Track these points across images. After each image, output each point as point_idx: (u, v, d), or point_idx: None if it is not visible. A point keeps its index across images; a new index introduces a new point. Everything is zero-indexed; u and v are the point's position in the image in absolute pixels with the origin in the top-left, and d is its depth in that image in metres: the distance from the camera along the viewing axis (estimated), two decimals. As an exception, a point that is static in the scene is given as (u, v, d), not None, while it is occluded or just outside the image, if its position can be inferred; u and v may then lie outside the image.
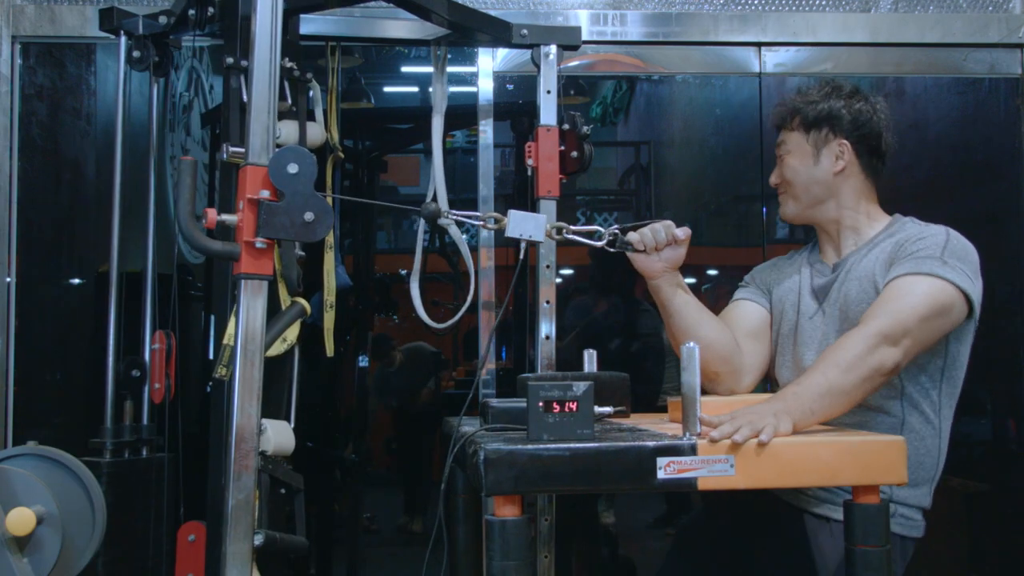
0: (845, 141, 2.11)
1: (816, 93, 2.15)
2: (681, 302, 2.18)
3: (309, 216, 1.65)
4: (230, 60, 2.11)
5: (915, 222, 2.12)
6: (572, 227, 2.13)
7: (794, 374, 2.11)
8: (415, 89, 4.00)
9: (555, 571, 2.41)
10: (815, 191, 2.13)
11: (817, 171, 2.12)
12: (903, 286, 1.91)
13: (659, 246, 2.14)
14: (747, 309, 2.28)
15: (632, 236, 2.16)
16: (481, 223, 2.08)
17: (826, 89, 2.15)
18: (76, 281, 3.07)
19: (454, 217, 2.10)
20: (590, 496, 3.38)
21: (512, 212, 2.02)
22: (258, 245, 1.65)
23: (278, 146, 1.69)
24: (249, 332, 1.66)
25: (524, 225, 2.01)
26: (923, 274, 1.90)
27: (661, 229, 2.14)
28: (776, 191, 2.24)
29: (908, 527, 2.00)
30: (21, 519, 1.90)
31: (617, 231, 2.15)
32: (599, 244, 2.13)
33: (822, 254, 2.22)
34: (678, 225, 2.16)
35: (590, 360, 2.16)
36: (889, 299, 1.90)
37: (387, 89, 4.00)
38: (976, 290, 1.95)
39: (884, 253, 2.04)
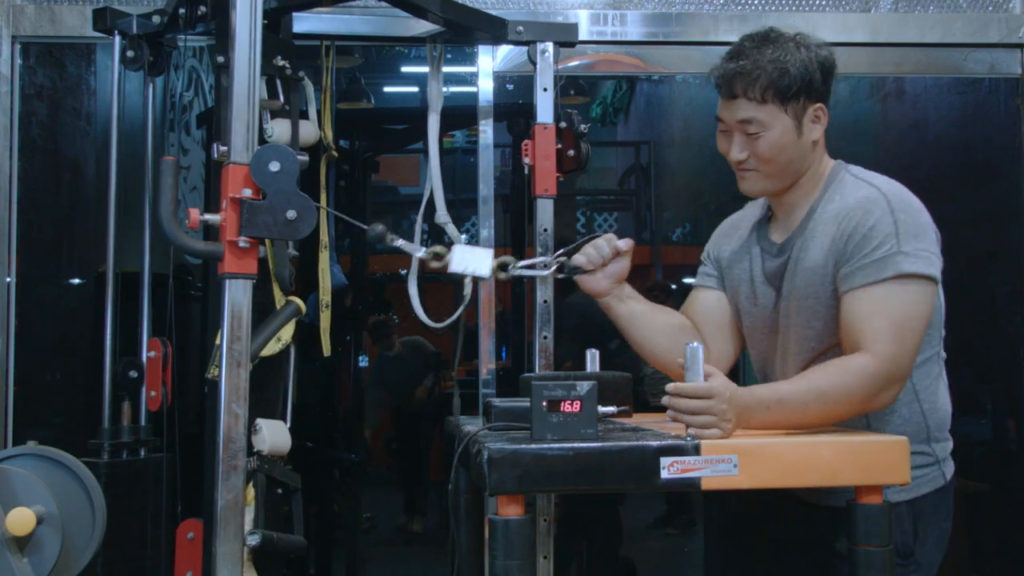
0: (819, 104, 1.92)
1: (781, 55, 1.89)
2: (632, 314, 2.09)
3: (292, 214, 1.64)
4: (221, 59, 2.10)
5: (850, 176, 1.93)
6: (519, 262, 2.04)
7: (767, 364, 2.04)
8: (415, 89, 4.00)
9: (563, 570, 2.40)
10: (796, 165, 1.93)
11: (801, 144, 1.92)
12: (880, 305, 1.77)
13: (605, 261, 2.04)
14: (709, 301, 2.14)
15: (578, 259, 2.05)
16: (422, 253, 1.97)
17: (788, 44, 1.90)
18: (76, 281, 3.07)
19: (395, 244, 1.94)
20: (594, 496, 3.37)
21: (456, 246, 1.96)
22: (241, 244, 1.64)
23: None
24: (234, 332, 1.66)
25: (468, 260, 1.94)
26: (890, 280, 1.78)
27: (603, 244, 2.04)
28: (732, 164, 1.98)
29: (907, 490, 1.88)
30: (21, 519, 1.90)
31: (563, 259, 2.07)
32: (546, 273, 2.08)
33: (771, 227, 2.04)
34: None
35: (592, 360, 2.15)
36: (879, 329, 1.76)
37: (387, 89, 4.00)
38: (939, 262, 1.83)
39: (827, 237, 1.87)
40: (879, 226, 1.81)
